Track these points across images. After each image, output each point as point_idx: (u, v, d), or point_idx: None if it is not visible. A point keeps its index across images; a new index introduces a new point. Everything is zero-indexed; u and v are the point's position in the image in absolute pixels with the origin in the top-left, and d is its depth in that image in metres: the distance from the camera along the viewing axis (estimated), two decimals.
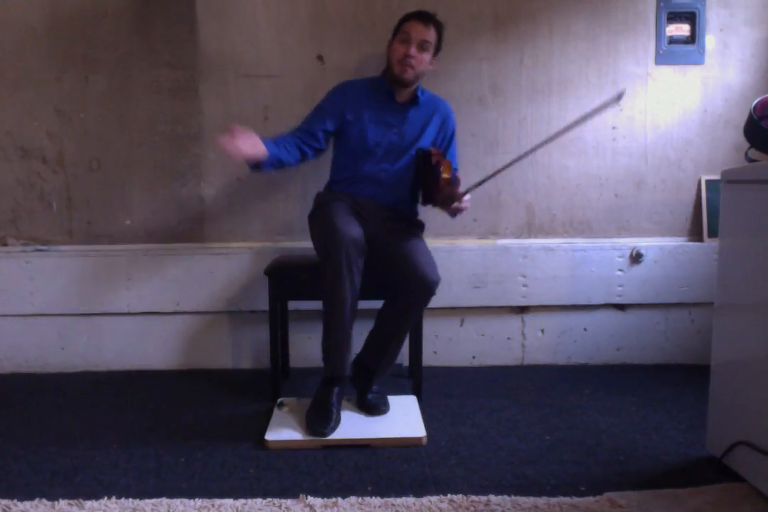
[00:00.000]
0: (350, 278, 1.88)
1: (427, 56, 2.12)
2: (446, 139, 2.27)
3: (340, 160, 2.23)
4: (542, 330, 2.62)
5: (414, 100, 2.19)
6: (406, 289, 1.95)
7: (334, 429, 1.89)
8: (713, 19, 2.54)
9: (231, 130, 1.83)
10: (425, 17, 2.10)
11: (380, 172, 2.17)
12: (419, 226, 2.30)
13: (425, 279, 1.92)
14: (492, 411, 2.13)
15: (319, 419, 1.90)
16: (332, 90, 2.21)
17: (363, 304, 2.32)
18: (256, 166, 1.98)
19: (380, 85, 2.18)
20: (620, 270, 2.58)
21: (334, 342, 1.95)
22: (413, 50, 2.07)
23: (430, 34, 2.10)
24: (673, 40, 2.55)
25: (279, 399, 2.13)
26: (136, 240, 2.56)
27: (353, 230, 1.90)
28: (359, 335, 2.54)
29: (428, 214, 2.57)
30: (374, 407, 2.03)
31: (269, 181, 2.54)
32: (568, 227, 2.63)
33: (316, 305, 2.00)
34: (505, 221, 2.61)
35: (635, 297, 2.59)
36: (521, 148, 2.57)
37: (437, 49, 2.17)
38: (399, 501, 1.54)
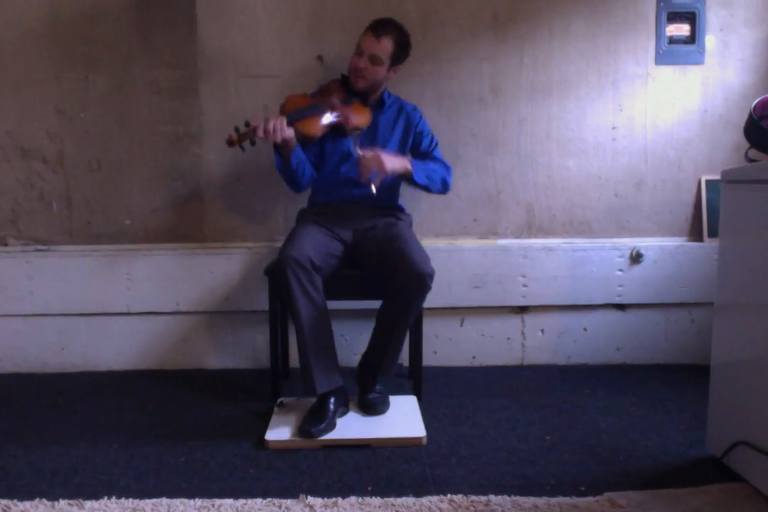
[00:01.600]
0: (307, 299, 1.94)
1: (380, 69, 2.17)
2: (420, 136, 2.29)
3: (319, 169, 2.27)
4: (542, 330, 2.62)
5: (380, 104, 2.26)
6: (402, 285, 1.95)
7: (324, 431, 1.88)
8: (713, 19, 2.54)
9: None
10: (378, 30, 2.14)
11: (356, 172, 2.17)
12: (407, 220, 2.31)
13: (419, 273, 1.92)
14: (492, 411, 2.13)
15: (311, 421, 1.90)
16: None
17: (362, 304, 2.33)
18: (285, 157, 2.11)
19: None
20: (620, 270, 2.58)
21: (301, 361, 1.98)
22: (363, 63, 2.14)
23: (382, 48, 2.13)
24: (673, 40, 2.55)
25: (279, 399, 2.13)
26: (136, 240, 2.56)
27: (299, 252, 1.93)
28: (359, 335, 2.55)
29: (428, 214, 2.58)
30: (372, 407, 2.03)
31: (269, 181, 2.53)
32: (568, 227, 2.62)
33: None
34: (505, 221, 2.61)
35: (635, 297, 2.59)
36: (521, 148, 2.58)
37: (398, 57, 2.20)
38: (399, 501, 1.54)
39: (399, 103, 2.31)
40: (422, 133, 2.29)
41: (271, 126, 1.98)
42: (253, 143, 2.05)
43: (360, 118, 2.18)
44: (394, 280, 1.97)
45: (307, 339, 1.95)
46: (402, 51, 2.21)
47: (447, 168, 2.28)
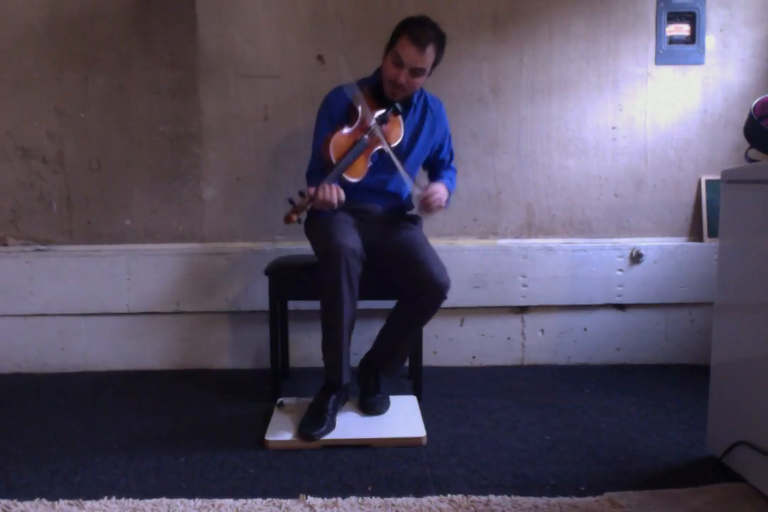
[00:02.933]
0: (350, 290, 1.88)
1: (420, 80, 2.02)
2: (439, 143, 2.20)
3: None
4: (542, 330, 2.62)
5: (409, 106, 2.10)
6: (419, 294, 1.94)
7: (324, 433, 1.87)
8: (713, 19, 2.54)
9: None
10: (420, 40, 1.94)
11: (379, 183, 2.12)
12: (418, 222, 2.25)
13: (437, 285, 1.91)
14: (492, 411, 2.13)
15: (311, 422, 1.90)
16: (324, 104, 2.12)
17: (368, 304, 2.32)
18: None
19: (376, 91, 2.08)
20: (620, 270, 2.58)
21: (332, 351, 1.95)
22: (404, 78, 1.97)
23: (426, 59, 1.97)
24: (673, 40, 2.55)
25: (279, 399, 2.13)
26: (136, 240, 2.56)
27: (351, 241, 1.89)
28: (360, 335, 2.54)
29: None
30: (372, 407, 2.03)
31: (269, 181, 2.54)
32: (568, 227, 2.63)
33: (316, 305, 1.99)
34: (505, 221, 2.61)
35: (635, 297, 2.59)
36: (521, 148, 2.58)
37: (438, 62, 2.05)
38: (399, 501, 1.54)
39: (423, 97, 2.16)
40: (443, 134, 2.20)
41: (328, 195, 1.84)
42: (308, 212, 1.94)
43: (395, 134, 2.05)
44: (410, 288, 1.95)
45: (345, 330, 1.91)
46: (441, 53, 2.04)
47: (455, 177, 2.26)
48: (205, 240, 2.57)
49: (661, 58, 2.55)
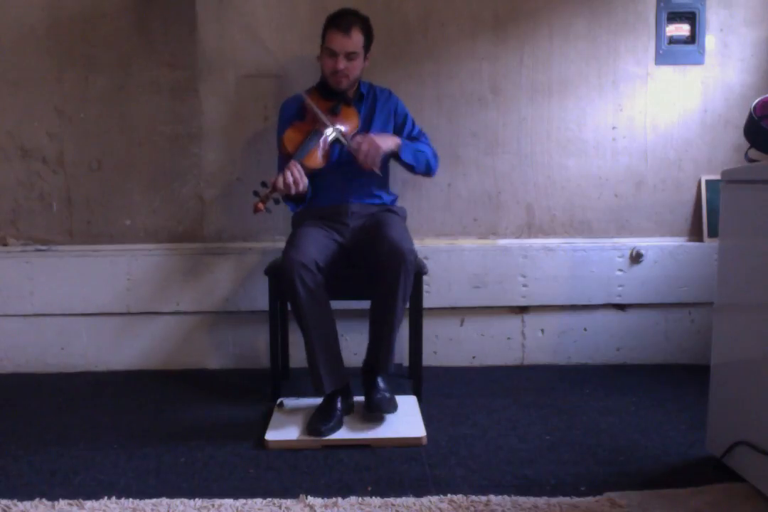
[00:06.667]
0: (312, 300, 1.92)
1: (357, 62, 2.13)
2: (399, 119, 2.27)
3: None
4: (542, 330, 2.62)
5: (360, 97, 2.23)
6: (383, 267, 1.93)
7: (333, 429, 1.88)
8: (713, 19, 2.54)
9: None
10: (344, 26, 2.08)
11: (344, 174, 2.18)
12: (401, 213, 2.29)
13: (396, 249, 1.90)
14: (492, 411, 2.13)
15: (320, 419, 1.91)
16: (280, 112, 2.26)
17: (362, 304, 2.32)
18: (299, 199, 2.13)
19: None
20: (620, 270, 2.58)
21: (309, 363, 1.98)
22: (342, 64, 2.09)
23: (354, 43, 2.09)
24: (673, 40, 2.55)
25: (279, 399, 2.13)
26: (136, 240, 2.56)
27: (303, 255, 1.93)
28: (360, 334, 2.54)
29: (428, 214, 2.58)
30: (377, 408, 1.97)
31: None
32: (568, 227, 2.62)
33: None
34: (505, 221, 2.61)
35: (635, 297, 2.59)
36: (521, 148, 2.58)
37: (368, 45, 2.17)
38: (399, 501, 1.54)
39: (373, 90, 2.28)
40: (400, 115, 2.27)
41: (291, 178, 1.94)
42: (277, 202, 1.98)
43: (351, 123, 2.15)
44: (378, 264, 1.95)
45: (314, 340, 1.94)
46: (370, 37, 2.17)
47: (434, 152, 2.27)
48: (205, 240, 2.57)
49: (661, 58, 2.55)
